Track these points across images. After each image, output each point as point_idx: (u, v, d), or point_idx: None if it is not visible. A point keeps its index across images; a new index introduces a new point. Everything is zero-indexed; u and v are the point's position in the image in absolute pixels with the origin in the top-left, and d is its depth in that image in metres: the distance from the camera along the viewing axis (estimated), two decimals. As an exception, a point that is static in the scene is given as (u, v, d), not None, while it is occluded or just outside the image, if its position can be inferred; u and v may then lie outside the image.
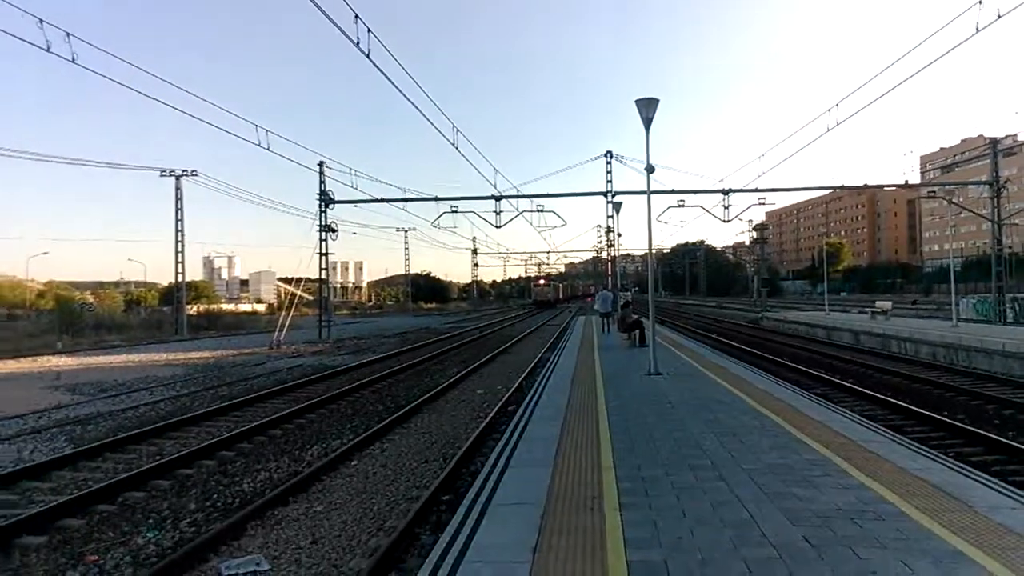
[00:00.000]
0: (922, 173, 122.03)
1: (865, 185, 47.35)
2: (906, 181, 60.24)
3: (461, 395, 16.82)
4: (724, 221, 38.49)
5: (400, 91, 17.87)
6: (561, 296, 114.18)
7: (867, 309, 36.77)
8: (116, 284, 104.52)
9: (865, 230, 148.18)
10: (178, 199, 43.91)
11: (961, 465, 6.78)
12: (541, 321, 52.88)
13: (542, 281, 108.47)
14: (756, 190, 38.51)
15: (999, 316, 34.25)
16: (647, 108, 13.91)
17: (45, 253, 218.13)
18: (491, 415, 13.23)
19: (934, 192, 62.96)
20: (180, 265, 45.19)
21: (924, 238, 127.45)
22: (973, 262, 77.67)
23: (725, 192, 37.73)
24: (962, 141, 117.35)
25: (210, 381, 20.45)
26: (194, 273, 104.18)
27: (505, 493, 6.00)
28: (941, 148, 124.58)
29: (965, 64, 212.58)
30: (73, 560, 6.81)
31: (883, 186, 51.64)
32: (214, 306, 76.15)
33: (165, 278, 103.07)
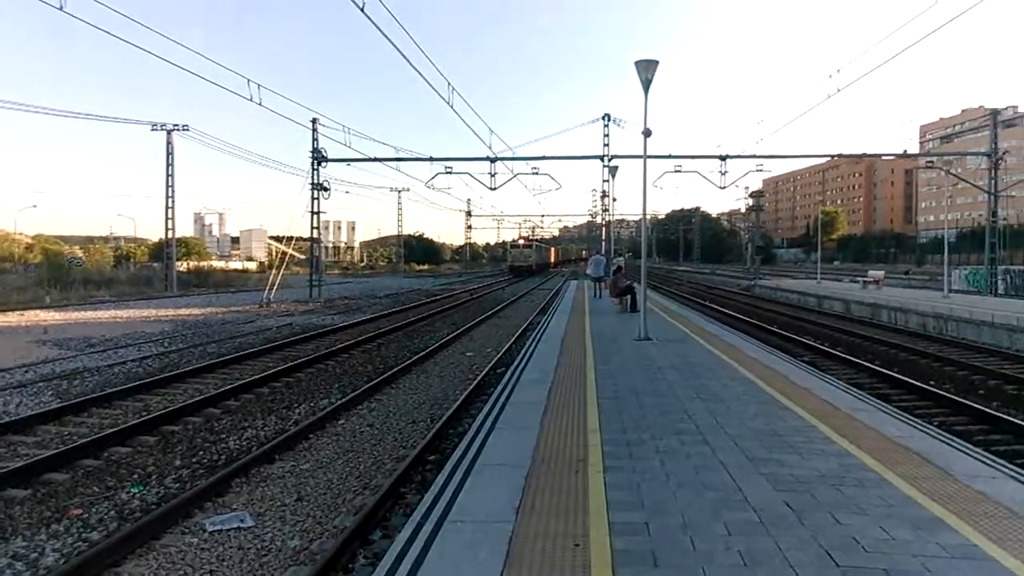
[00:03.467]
0: (921, 143, 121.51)
1: (863, 154, 47.16)
2: (904, 151, 60.04)
3: (450, 357, 16.83)
4: (720, 187, 38.31)
5: (395, 47, 17.56)
6: (553, 260, 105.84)
7: (859, 278, 36.83)
8: (105, 239, 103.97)
9: (861, 199, 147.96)
10: (169, 154, 43.41)
11: (945, 434, 6.82)
12: (532, 285, 52.85)
13: (521, 242, 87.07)
14: (753, 156, 38.25)
15: (991, 288, 34.40)
16: (646, 70, 13.70)
17: (33, 206, 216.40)
18: (479, 377, 13.24)
19: (932, 162, 62.79)
20: (170, 221, 44.81)
21: (920, 208, 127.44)
22: (968, 233, 77.83)
23: (722, 158, 37.48)
24: (962, 111, 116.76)
25: (198, 338, 20.39)
26: (184, 229, 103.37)
27: (491, 454, 6.01)
28: (941, 118, 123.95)
29: (968, 33, 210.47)
30: (58, 514, 6.80)
31: (881, 155, 51.63)
32: (204, 263, 75.71)
33: (155, 234, 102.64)
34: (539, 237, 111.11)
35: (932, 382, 12.93)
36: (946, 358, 15.29)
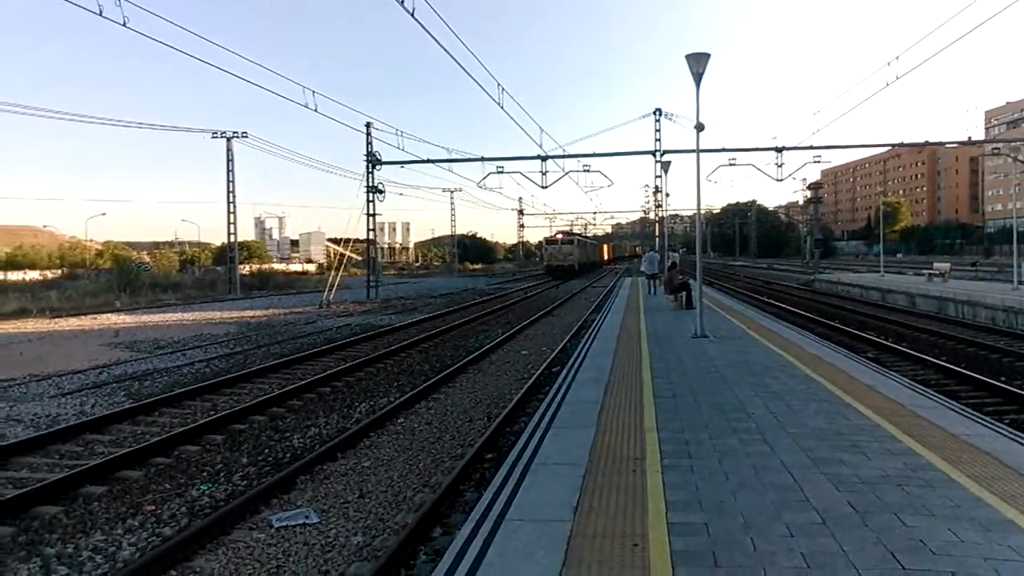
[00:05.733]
0: (987, 129, 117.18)
1: (926, 142, 45.61)
2: (969, 138, 57.86)
3: (506, 356, 16.92)
4: (777, 180, 37.71)
5: (446, 50, 17.90)
6: (606, 257, 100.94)
7: (924, 271, 35.74)
8: (171, 244, 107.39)
9: (925, 189, 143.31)
10: (229, 160, 44.60)
11: (1016, 432, 6.60)
12: (585, 283, 52.63)
13: (559, 236, 68.19)
14: (811, 147, 37.47)
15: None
16: (697, 63, 13.55)
17: (103, 214, 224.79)
18: (535, 376, 13.28)
19: (999, 149, 60.41)
20: (232, 226, 46.07)
21: (987, 197, 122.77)
22: (1038, 223, 74.74)
23: (778, 150, 36.82)
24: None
25: (262, 339, 20.93)
26: (246, 233, 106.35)
27: (548, 453, 6.05)
28: (1008, 102, 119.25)
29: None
30: (132, 509, 7.09)
31: (945, 143, 49.65)
32: (266, 266, 77.82)
33: (218, 238, 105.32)
34: (590, 234, 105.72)
35: (1003, 378, 12.49)
36: (1017, 353, 14.75)
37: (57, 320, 28.08)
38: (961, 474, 5.19)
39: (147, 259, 77.86)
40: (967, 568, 3.70)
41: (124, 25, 17.57)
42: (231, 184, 44.95)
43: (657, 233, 49.35)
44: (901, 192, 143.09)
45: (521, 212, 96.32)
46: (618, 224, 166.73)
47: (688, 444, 6.18)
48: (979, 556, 3.84)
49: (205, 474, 8.25)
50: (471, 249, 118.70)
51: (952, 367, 13.20)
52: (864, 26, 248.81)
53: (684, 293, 20.33)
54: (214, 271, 66.25)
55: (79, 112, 53.21)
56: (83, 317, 29.31)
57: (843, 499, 4.73)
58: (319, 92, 38.23)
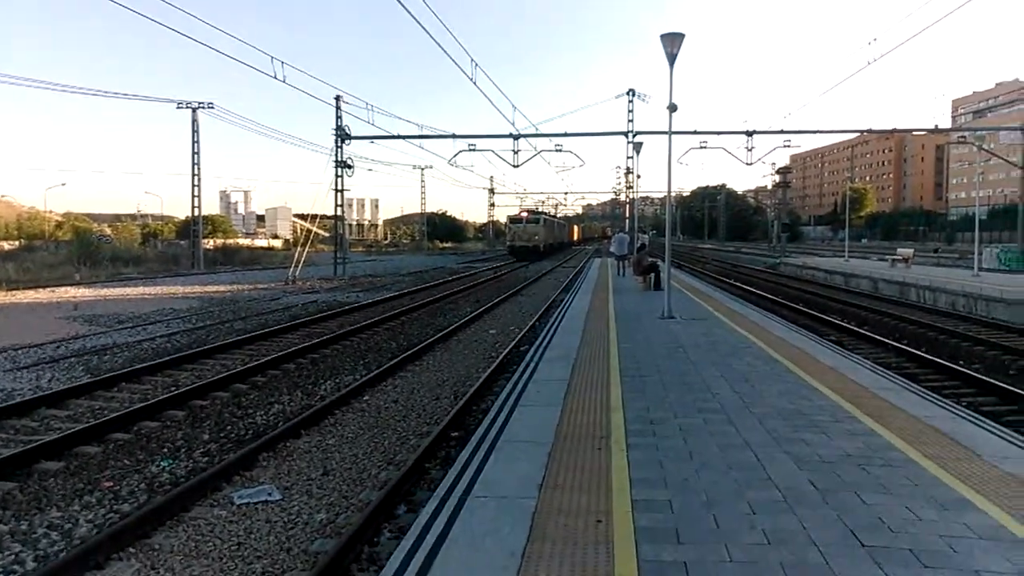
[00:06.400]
0: (953, 118, 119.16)
1: (894, 129, 46.09)
2: (936, 126, 58.62)
3: (474, 335, 16.87)
4: (747, 164, 37.88)
5: (418, 21, 17.58)
6: (576, 237, 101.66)
7: (888, 256, 36.34)
8: (133, 217, 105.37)
9: (891, 175, 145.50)
10: (195, 132, 43.68)
11: (973, 414, 6.74)
12: (555, 263, 52.71)
13: (524, 214, 64.63)
14: (781, 131, 37.59)
15: None
16: (672, 43, 13.52)
17: (63, 184, 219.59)
18: (503, 355, 13.27)
19: (963, 137, 61.43)
20: (197, 199, 45.19)
21: (951, 185, 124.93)
22: (1000, 211, 76.29)
23: (748, 134, 36.95)
24: (996, 85, 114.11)
25: (225, 315, 20.64)
26: (211, 207, 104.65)
27: (514, 431, 6.04)
28: (974, 92, 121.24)
29: (1005, 2, 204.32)
30: (90, 486, 6.96)
31: (912, 130, 50.32)
32: (231, 240, 76.71)
33: (182, 211, 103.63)
34: (559, 215, 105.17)
35: (961, 362, 12.76)
36: (975, 338, 15.06)
37: (14, 293, 27.40)
38: (920, 454, 5.28)
39: (108, 232, 76.27)
40: (924, 545, 3.77)
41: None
42: (196, 156, 44.08)
43: (627, 215, 49.48)
44: (868, 178, 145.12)
45: (492, 191, 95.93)
46: (589, 205, 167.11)
47: (653, 423, 6.21)
48: (935, 533, 3.91)
49: (165, 450, 8.12)
50: (441, 227, 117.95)
51: (912, 350, 13.45)
52: (836, 13, 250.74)
53: (653, 275, 20.44)
54: (177, 245, 65.11)
55: (36, 78, 51.67)
56: (41, 290, 28.64)
57: (804, 478, 4.79)
58: (288, 63, 37.65)
